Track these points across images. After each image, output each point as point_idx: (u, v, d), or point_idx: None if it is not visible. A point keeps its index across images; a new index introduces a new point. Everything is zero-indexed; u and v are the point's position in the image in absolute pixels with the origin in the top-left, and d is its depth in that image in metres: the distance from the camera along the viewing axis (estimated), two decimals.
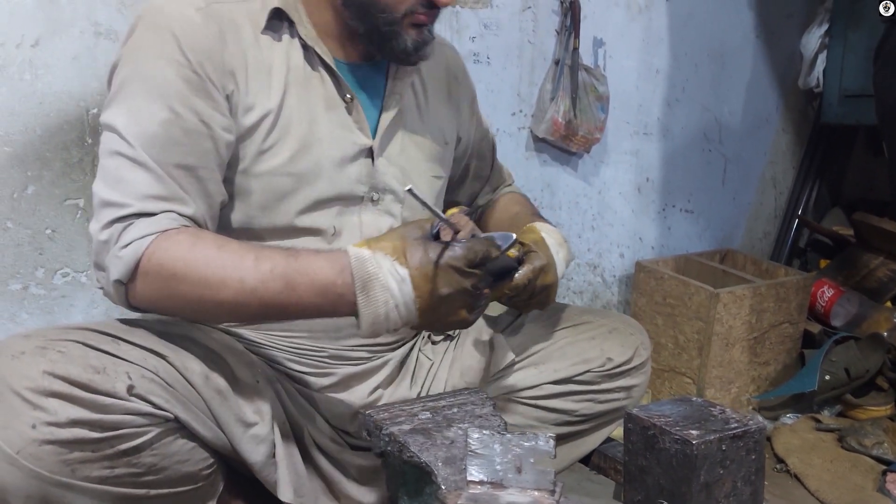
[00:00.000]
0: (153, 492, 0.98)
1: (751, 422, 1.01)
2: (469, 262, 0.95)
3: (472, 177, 1.45)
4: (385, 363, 1.24)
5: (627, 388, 1.33)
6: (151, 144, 0.99)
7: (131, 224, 0.96)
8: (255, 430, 1.05)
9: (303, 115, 1.11)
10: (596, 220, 2.24)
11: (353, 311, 0.95)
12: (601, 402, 1.32)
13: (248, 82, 1.07)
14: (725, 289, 1.95)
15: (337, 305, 0.96)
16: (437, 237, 0.97)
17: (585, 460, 1.53)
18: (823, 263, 2.55)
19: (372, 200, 1.18)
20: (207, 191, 1.04)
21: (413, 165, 1.23)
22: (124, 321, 1.05)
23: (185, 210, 1.00)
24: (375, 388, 1.22)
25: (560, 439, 1.32)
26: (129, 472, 0.95)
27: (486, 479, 0.82)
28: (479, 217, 1.48)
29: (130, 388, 0.93)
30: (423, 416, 0.92)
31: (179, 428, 1.00)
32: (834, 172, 2.69)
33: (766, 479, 1.09)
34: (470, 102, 1.39)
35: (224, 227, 1.10)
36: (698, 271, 2.19)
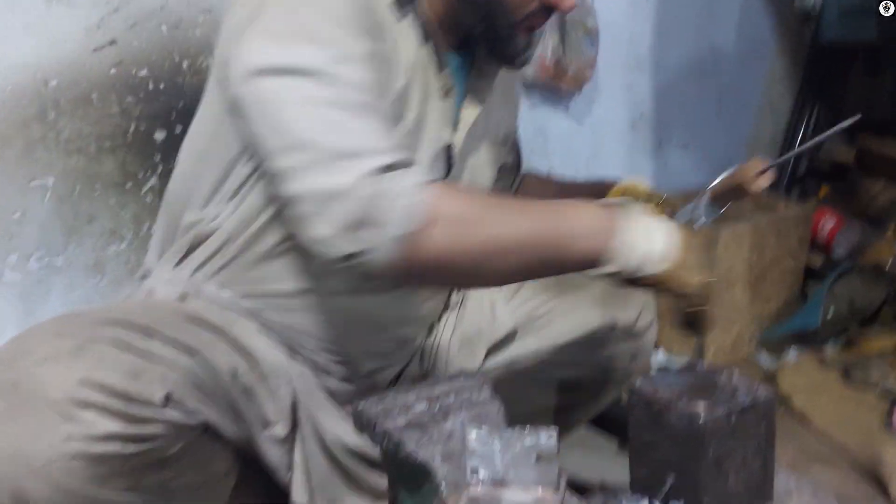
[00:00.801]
0: (174, 502, 0.95)
1: (759, 391, 0.97)
2: None
3: (509, 168, 1.39)
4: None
5: (632, 352, 1.29)
6: (367, 89, 0.91)
7: (395, 173, 0.86)
8: (275, 430, 1.02)
9: (415, 101, 1.04)
10: (590, 160, 2.16)
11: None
12: (604, 367, 1.28)
13: (382, 59, 0.98)
14: (725, 228, 1.89)
15: (603, 230, 0.93)
16: None
17: None
18: (824, 190, 2.49)
19: None
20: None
21: (478, 164, 1.19)
22: (149, 304, 1.00)
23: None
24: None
25: (562, 408, 1.29)
26: (154, 484, 0.91)
27: (486, 478, 0.79)
28: None
29: (167, 396, 0.88)
30: (418, 409, 0.88)
31: (206, 433, 0.96)
32: (833, 96, 2.61)
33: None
34: (518, 103, 1.36)
35: None
36: None
